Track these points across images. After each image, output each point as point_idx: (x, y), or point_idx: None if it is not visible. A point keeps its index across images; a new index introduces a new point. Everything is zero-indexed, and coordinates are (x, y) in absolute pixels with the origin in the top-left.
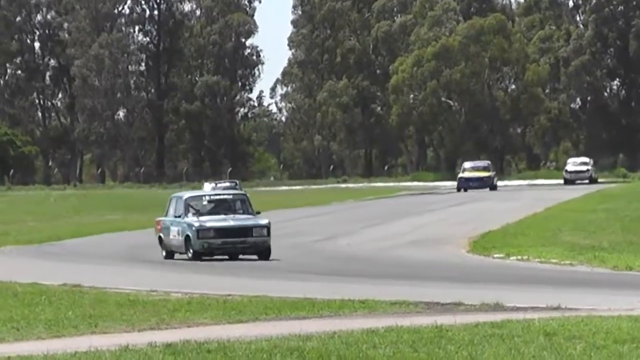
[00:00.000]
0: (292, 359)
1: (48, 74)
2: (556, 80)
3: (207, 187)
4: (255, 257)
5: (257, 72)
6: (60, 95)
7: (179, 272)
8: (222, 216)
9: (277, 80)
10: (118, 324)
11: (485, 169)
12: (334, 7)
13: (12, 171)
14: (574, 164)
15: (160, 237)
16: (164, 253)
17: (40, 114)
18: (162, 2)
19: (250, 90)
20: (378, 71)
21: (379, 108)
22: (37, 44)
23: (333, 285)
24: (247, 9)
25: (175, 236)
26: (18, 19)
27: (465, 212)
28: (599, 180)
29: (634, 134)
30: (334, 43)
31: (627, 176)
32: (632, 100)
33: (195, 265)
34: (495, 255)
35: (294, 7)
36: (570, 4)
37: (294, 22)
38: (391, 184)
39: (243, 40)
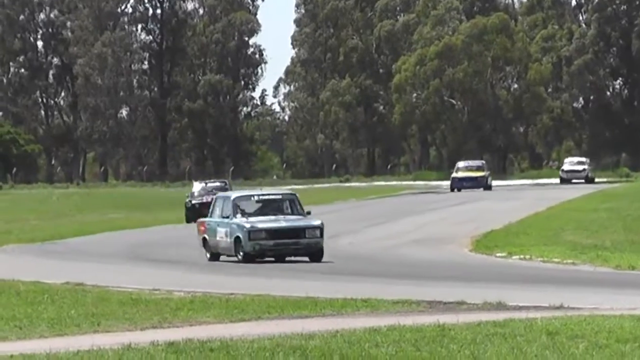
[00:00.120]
0: (294, 357)
1: (51, 72)
2: (559, 79)
3: (197, 187)
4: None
5: (260, 71)
6: (63, 94)
7: (181, 271)
8: (273, 217)
9: (280, 79)
10: (120, 323)
11: (479, 168)
12: (337, 6)
13: (15, 169)
14: (570, 163)
15: (204, 239)
16: (208, 255)
17: (43, 112)
18: (165, 0)
19: (253, 89)
20: (381, 70)
21: (381, 107)
22: (40, 43)
23: (335, 284)
24: (250, 7)
25: (222, 238)
26: (21, 17)
27: (467, 211)
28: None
29: (637, 134)
30: (337, 42)
31: (629, 175)
32: (634, 99)
33: (197, 264)
34: (498, 255)
35: (297, 5)
36: (573, 3)
37: (297, 21)
38: (394, 182)
39: (246, 39)
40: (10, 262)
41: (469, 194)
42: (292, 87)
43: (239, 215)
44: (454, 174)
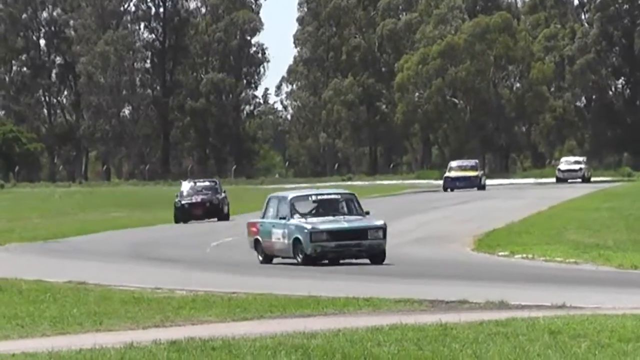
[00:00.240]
0: (296, 356)
1: (54, 71)
2: (561, 78)
3: (186, 187)
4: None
5: (262, 70)
6: (65, 92)
7: (183, 270)
8: (333, 217)
9: (283, 77)
10: (123, 322)
11: (472, 168)
12: (340, 5)
13: (17, 168)
14: (566, 162)
15: (256, 241)
16: (260, 258)
17: (45, 111)
18: None
19: (256, 88)
20: (383, 69)
21: (384, 106)
22: (42, 41)
23: (337, 283)
24: (253, 6)
25: (279, 240)
26: (24, 16)
27: (469, 210)
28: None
29: (639, 133)
30: (340, 41)
31: (631, 175)
32: (637, 98)
33: (199, 263)
34: (500, 254)
35: (300, 4)
36: (576, 2)
37: (299, 20)
38: (396, 181)
39: (248, 37)
40: (13, 260)
41: (471, 193)
42: (294, 85)
43: (296, 216)
44: (447, 174)
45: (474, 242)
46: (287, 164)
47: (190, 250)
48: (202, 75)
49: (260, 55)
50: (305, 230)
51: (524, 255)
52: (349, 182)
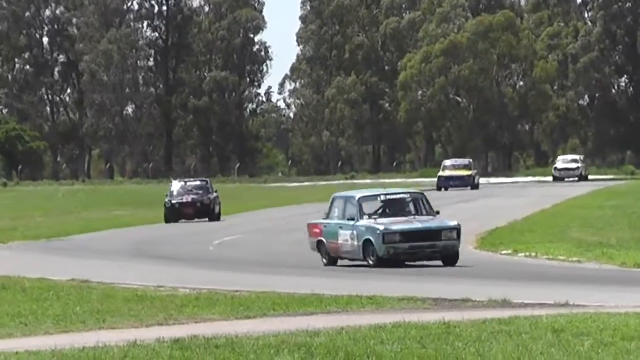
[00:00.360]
0: (300, 354)
1: (57, 69)
2: (564, 77)
3: (176, 186)
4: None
5: (265, 68)
6: (69, 91)
7: (186, 268)
8: (404, 218)
9: (286, 76)
10: (126, 320)
11: (466, 167)
12: (343, 4)
13: (20, 166)
14: (563, 161)
15: (319, 242)
16: (324, 260)
17: (48, 109)
18: None
19: (259, 86)
20: (387, 67)
21: (387, 104)
22: (46, 39)
23: (340, 281)
24: (256, 4)
25: (347, 241)
26: (27, 14)
27: (472, 209)
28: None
29: None
30: (343, 39)
31: (634, 173)
32: None
33: (201, 261)
34: (503, 252)
35: (303, 3)
36: (579, 1)
37: (302, 18)
38: (399, 180)
39: (252, 36)
40: (16, 259)
41: (472, 192)
42: (297, 84)
43: (366, 217)
44: (441, 173)
45: (476, 241)
46: (290, 162)
47: (193, 248)
48: (206, 74)
49: (263, 53)
50: (378, 232)
51: (527, 254)
52: (352, 181)
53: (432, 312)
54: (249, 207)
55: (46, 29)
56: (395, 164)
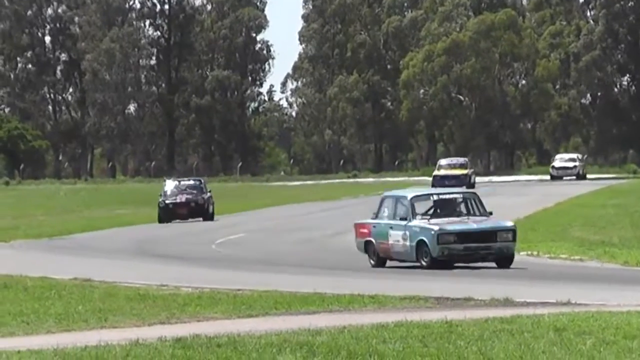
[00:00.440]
0: (301, 353)
1: (59, 68)
2: (566, 75)
3: (170, 186)
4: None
5: (267, 67)
6: (71, 90)
7: (188, 267)
8: (458, 218)
9: (288, 74)
10: (128, 318)
11: (462, 166)
12: (345, 2)
13: (22, 165)
14: (561, 160)
15: (368, 243)
16: (372, 261)
17: (50, 108)
18: None
19: (261, 85)
20: (388, 66)
21: (389, 103)
22: (47, 38)
23: (343, 280)
24: (258, 3)
25: (398, 242)
26: (29, 12)
27: None
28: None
29: None
30: (345, 38)
31: (636, 172)
32: None
33: (202, 260)
34: None
35: (305, 1)
36: None
37: (304, 17)
38: (401, 178)
39: (254, 34)
40: (18, 257)
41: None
42: (299, 83)
43: (418, 217)
44: (436, 172)
45: None
46: (292, 161)
47: (195, 247)
48: (208, 73)
49: (265, 52)
50: (432, 232)
51: (529, 252)
52: (354, 179)
53: (434, 311)
54: (250, 205)
55: (48, 27)
56: (397, 163)
